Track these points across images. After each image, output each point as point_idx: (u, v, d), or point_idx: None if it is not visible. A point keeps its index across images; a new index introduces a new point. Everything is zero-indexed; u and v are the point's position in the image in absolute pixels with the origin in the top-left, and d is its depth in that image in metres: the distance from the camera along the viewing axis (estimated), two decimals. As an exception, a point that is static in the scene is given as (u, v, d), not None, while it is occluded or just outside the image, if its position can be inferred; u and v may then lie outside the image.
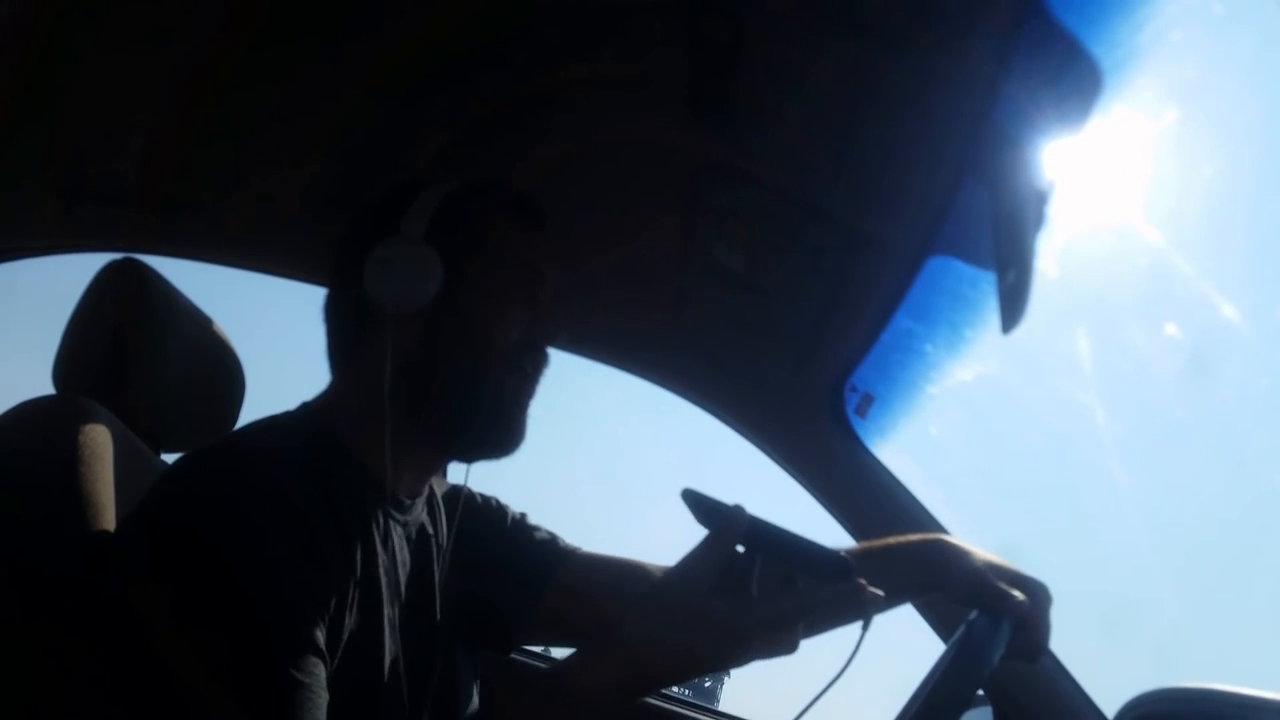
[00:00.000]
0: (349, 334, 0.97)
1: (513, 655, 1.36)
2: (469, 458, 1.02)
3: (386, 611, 0.89)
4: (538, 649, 1.76)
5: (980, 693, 1.30)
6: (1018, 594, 0.93)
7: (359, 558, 0.86)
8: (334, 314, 0.99)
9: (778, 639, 0.78)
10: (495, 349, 0.94)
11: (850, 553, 1.06)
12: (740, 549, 0.80)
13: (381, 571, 0.89)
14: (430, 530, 1.01)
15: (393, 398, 0.90)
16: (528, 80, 1.16)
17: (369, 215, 0.98)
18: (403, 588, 0.94)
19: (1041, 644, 0.97)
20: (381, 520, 0.92)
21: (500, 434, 0.96)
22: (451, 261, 0.92)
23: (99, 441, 0.92)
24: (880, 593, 0.79)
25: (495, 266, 0.95)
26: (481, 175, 1.00)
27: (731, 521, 0.80)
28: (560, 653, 1.76)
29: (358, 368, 0.95)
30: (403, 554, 0.95)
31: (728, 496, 0.81)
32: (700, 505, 0.82)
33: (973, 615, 0.94)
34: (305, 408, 0.96)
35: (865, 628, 0.79)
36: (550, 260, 0.98)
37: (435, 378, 0.93)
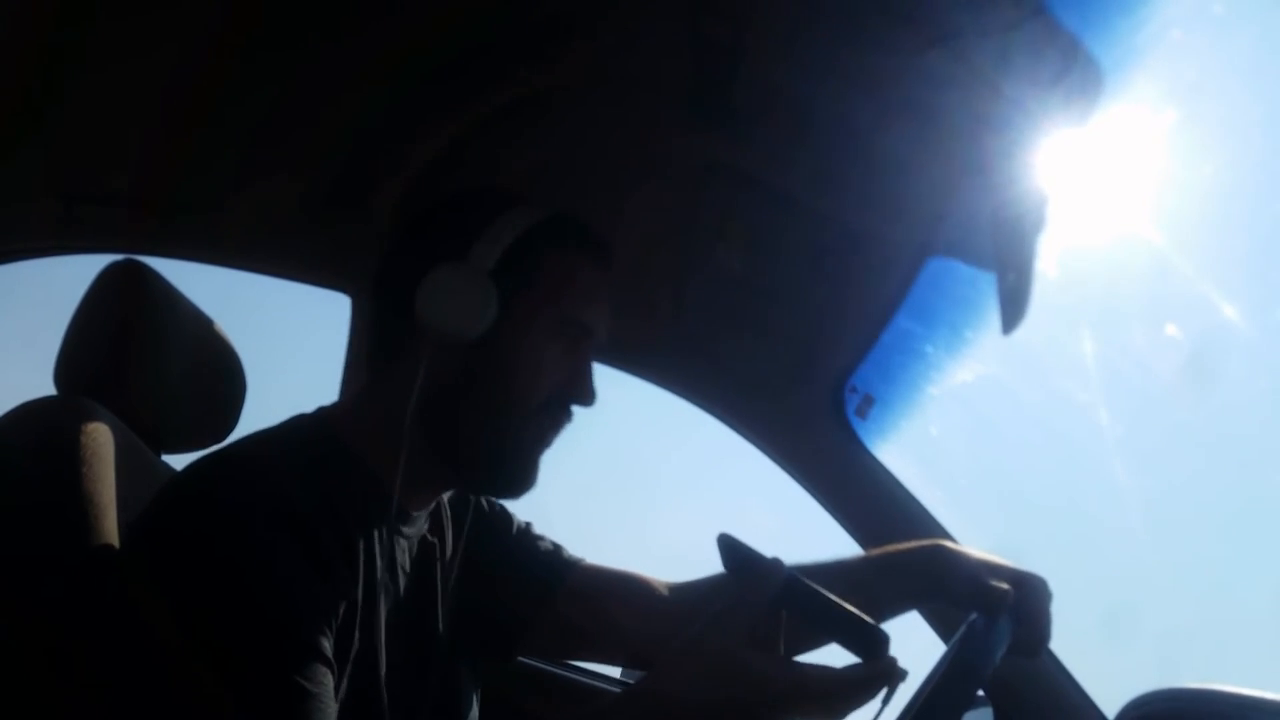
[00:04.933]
0: (384, 344, 0.95)
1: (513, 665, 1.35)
2: (475, 493, 1.02)
3: (385, 622, 0.89)
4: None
5: (981, 693, 1.30)
6: (1005, 588, 0.93)
7: (361, 568, 0.86)
8: (376, 318, 0.97)
9: (815, 709, 0.75)
10: (526, 401, 0.92)
11: (846, 563, 1.06)
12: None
13: (380, 582, 0.89)
14: (433, 539, 1.01)
15: (414, 423, 0.89)
16: (528, 81, 1.16)
17: (438, 224, 0.95)
18: (404, 598, 0.93)
19: (1043, 639, 0.97)
20: (384, 531, 0.91)
21: (510, 479, 0.95)
22: (507, 299, 0.89)
23: (99, 442, 0.92)
24: (906, 669, 0.76)
25: (548, 315, 0.92)
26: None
27: (768, 577, 0.77)
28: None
29: (384, 381, 0.94)
30: (405, 565, 0.95)
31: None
32: (735, 553, 0.79)
33: (973, 616, 0.94)
34: (321, 411, 0.96)
35: (887, 701, 0.76)
36: (605, 315, 0.96)
37: (460, 414, 0.91)
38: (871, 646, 0.76)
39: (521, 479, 0.95)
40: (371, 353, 0.96)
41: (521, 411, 0.92)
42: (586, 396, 0.95)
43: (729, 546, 0.79)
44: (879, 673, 0.75)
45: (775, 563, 0.77)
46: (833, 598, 0.78)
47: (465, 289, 0.88)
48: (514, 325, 0.90)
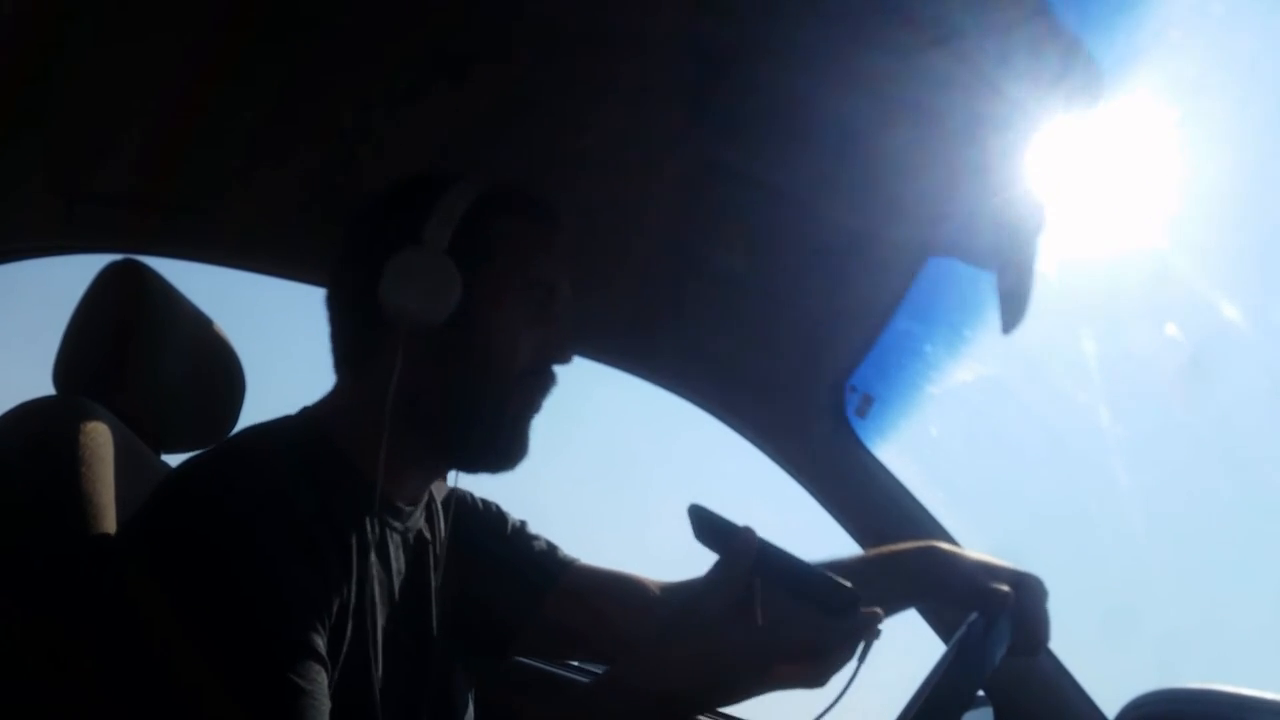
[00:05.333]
0: (356, 340, 0.95)
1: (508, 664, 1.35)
2: (470, 470, 1.02)
3: (380, 621, 0.89)
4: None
5: (981, 693, 1.30)
6: (1005, 589, 0.93)
7: (355, 565, 0.86)
8: (341, 317, 0.97)
9: (796, 672, 0.76)
10: (505, 372, 0.92)
11: (843, 563, 1.06)
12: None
13: (375, 580, 0.89)
14: (428, 536, 1.01)
15: (394, 412, 0.88)
16: (527, 80, 1.16)
17: (385, 215, 0.95)
18: (397, 595, 0.93)
19: (1042, 638, 0.97)
20: (377, 528, 0.91)
21: (503, 451, 0.95)
22: (468, 275, 0.89)
23: (99, 441, 0.92)
24: (881, 627, 0.77)
25: (510, 283, 0.92)
26: (482, 175, 0.98)
27: (742, 546, 0.77)
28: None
29: (363, 375, 0.93)
30: (398, 562, 0.94)
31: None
32: (707, 524, 0.79)
33: (972, 616, 0.94)
34: (305, 412, 0.96)
35: (861, 659, 0.76)
36: (565, 269, 0.96)
37: (442, 395, 0.91)
38: (843, 605, 0.76)
39: (513, 449, 0.95)
40: (346, 352, 0.96)
41: (503, 383, 0.92)
42: (564, 355, 0.95)
43: (701, 517, 0.79)
44: (851, 629, 0.75)
45: (748, 532, 0.78)
46: (804, 561, 0.78)
47: (425, 272, 0.88)
48: (480, 299, 0.90)
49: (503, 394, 0.92)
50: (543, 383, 0.95)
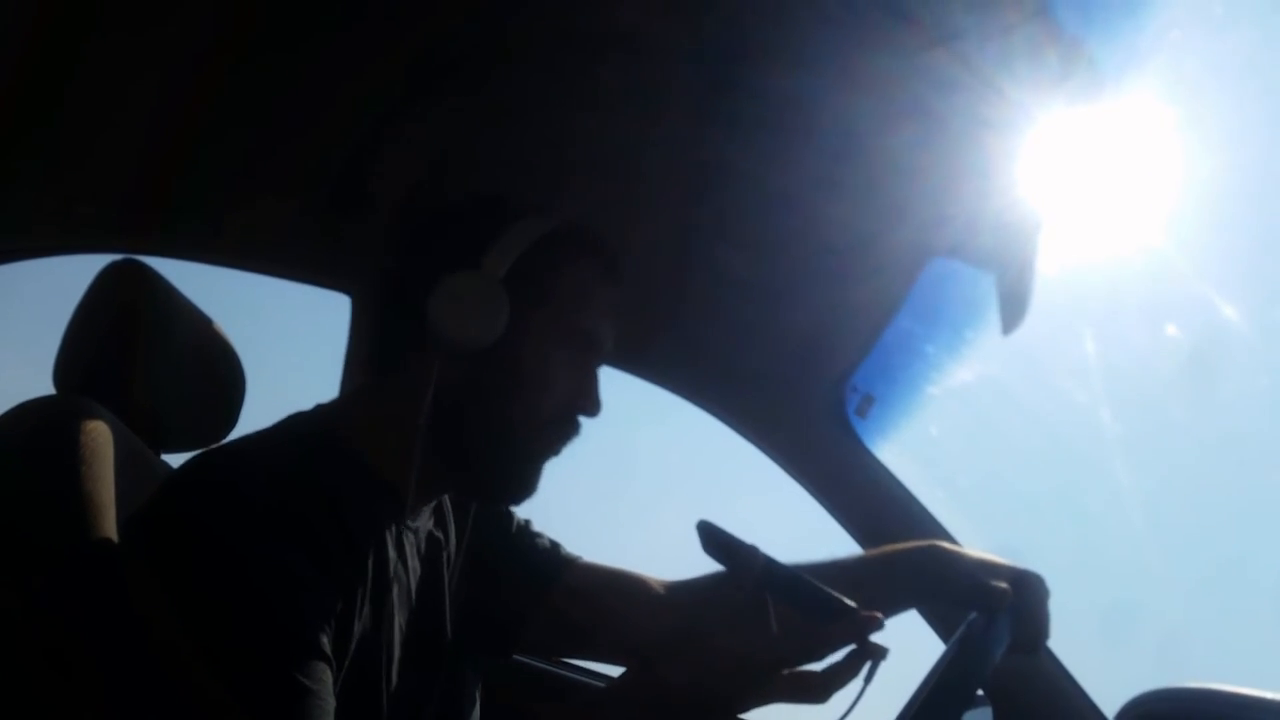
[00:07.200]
0: (393, 349, 0.95)
1: (512, 663, 1.35)
2: (472, 500, 1.02)
3: (397, 620, 0.89)
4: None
5: (980, 693, 1.30)
6: (1004, 587, 0.93)
7: (370, 566, 0.86)
8: (383, 321, 0.97)
9: (800, 683, 0.76)
10: (535, 413, 0.92)
11: (844, 563, 1.06)
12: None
13: (394, 580, 0.89)
14: (440, 536, 1.01)
15: (424, 429, 0.88)
16: (529, 83, 1.16)
17: (450, 232, 0.94)
18: (413, 596, 0.94)
19: (1042, 636, 0.97)
20: (394, 529, 0.91)
21: (516, 490, 0.95)
22: (519, 309, 0.89)
23: (99, 441, 0.92)
24: (887, 646, 0.77)
25: (557, 327, 0.92)
26: (557, 212, 0.97)
27: (749, 563, 0.78)
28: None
29: (390, 384, 0.94)
30: (413, 561, 0.95)
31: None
32: (714, 540, 0.80)
33: (972, 615, 0.94)
34: (320, 410, 0.95)
35: (869, 678, 0.77)
36: (614, 326, 0.96)
37: (468, 424, 0.91)
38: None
39: (524, 488, 0.95)
40: (376, 356, 0.96)
41: (530, 424, 0.92)
42: (593, 408, 0.95)
43: (709, 533, 0.80)
44: (847, 631, 0.76)
45: (753, 550, 0.79)
46: (811, 580, 0.79)
47: (478, 298, 0.88)
48: (522, 335, 0.90)
49: (528, 435, 0.92)
50: (566, 431, 0.95)
